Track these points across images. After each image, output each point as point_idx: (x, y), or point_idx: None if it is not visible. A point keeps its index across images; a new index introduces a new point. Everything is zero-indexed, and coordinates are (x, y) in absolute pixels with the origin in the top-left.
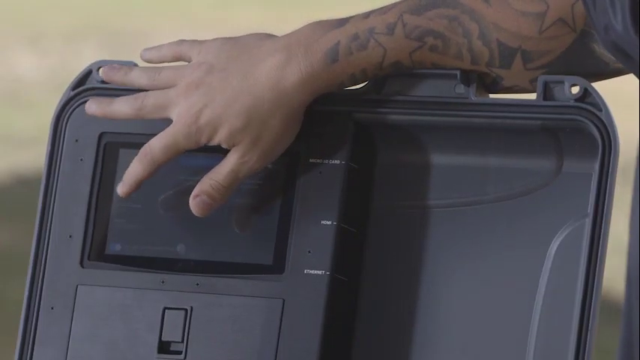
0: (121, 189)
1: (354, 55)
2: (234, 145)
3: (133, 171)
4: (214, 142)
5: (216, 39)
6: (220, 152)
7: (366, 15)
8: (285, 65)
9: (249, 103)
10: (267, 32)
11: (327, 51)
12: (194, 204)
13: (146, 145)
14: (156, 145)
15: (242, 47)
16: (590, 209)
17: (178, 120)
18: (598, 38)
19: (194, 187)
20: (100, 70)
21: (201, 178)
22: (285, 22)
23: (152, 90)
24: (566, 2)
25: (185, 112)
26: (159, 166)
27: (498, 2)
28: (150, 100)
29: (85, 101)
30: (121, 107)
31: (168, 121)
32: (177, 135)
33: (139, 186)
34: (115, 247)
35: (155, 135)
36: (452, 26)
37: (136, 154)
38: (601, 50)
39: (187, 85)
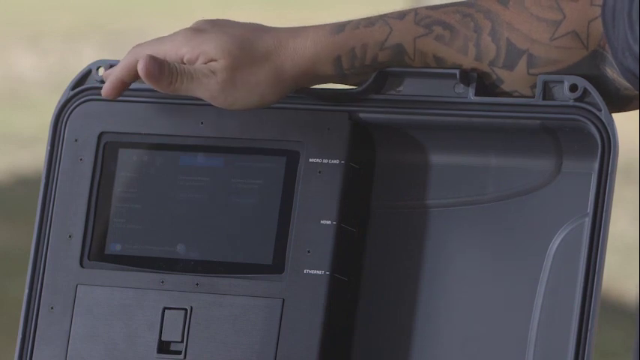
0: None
1: (359, 29)
2: (209, 62)
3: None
4: (198, 51)
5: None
6: (220, 152)
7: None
8: (292, 29)
9: (246, 35)
10: None
11: (335, 24)
12: (142, 59)
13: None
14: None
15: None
16: (590, 208)
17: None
18: (613, 60)
19: (194, 187)
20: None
21: (201, 178)
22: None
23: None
24: (583, 17)
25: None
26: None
27: (516, 5)
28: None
29: (85, 101)
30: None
31: (169, 126)
32: (165, 40)
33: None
34: (114, 247)
35: (155, 135)
36: (464, 21)
37: (136, 154)
38: (614, 75)
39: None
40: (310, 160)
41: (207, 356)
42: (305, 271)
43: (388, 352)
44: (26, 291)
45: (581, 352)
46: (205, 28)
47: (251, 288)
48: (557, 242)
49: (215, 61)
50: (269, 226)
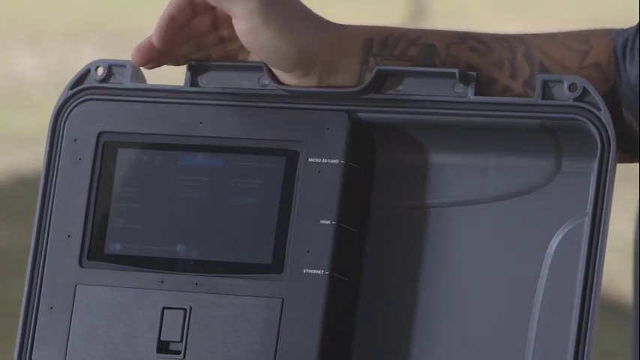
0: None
1: (394, 28)
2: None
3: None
4: None
5: None
6: (219, 152)
7: None
8: None
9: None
10: None
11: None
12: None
13: None
14: None
15: None
16: (589, 208)
17: None
18: (622, 95)
19: (193, 186)
20: None
21: (200, 177)
22: None
23: None
24: (605, 50)
25: None
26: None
27: (547, 35)
28: None
29: (84, 101)
30: None
31: (169, 126)
32: None
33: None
34: (114, 247)
35: (154, 134)
36: (498, 41)
37: (135, 154)
38: (629, 118)
39: None
40: (310, 159)
41: (207, 356)
42: (304, 271)
43: (388, 352)
44: (25, 291)
45: (580, 351)
46: None
47: (251, 288)
48: (557, 242)
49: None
50: (268, 226)
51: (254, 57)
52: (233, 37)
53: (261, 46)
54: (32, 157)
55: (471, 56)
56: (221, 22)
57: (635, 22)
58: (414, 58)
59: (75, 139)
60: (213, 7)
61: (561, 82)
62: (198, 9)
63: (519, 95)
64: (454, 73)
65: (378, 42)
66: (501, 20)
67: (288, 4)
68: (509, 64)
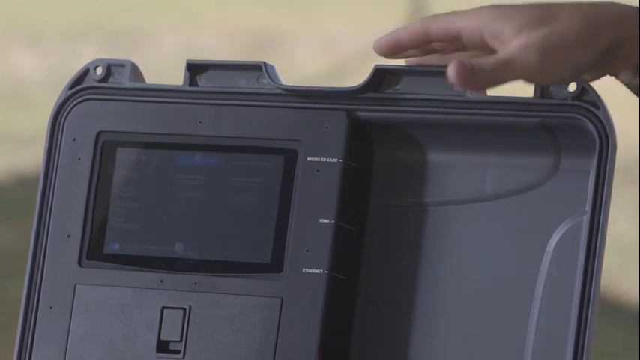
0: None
1: None
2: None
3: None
4: (498, 28)
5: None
6: (218, 151)
7: None
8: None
9: (547, 5)
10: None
11: None
12: (453, 64)
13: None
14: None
15: None
16: (588, 207)
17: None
18: None
19: (192, 186)
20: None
21: (199, 177)
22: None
23: None
24: None
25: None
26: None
27: None
28: None
29: (83, 100)
30: None
31: (168, 125)
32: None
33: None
34: (113, 247)
35: (153, 134)
36: None
37: (134, 153)
38: None
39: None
40: (308, 158)
41: (206, 355)
42: (303, 270)
43: (387, 351)
44: (25, 290)
45: (579, 350)
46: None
47: (250, 287)
48: (556, 240)
49: (513, 40)
50: (267, 225)
51: None
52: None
53: (554, 75)
54: (32, 157)
55: None
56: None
57: None
58: None
59: (74, 139)
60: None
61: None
62: (432, 38)
63: None
64: None
65: None
66: None
67: (552, 19)
68: None
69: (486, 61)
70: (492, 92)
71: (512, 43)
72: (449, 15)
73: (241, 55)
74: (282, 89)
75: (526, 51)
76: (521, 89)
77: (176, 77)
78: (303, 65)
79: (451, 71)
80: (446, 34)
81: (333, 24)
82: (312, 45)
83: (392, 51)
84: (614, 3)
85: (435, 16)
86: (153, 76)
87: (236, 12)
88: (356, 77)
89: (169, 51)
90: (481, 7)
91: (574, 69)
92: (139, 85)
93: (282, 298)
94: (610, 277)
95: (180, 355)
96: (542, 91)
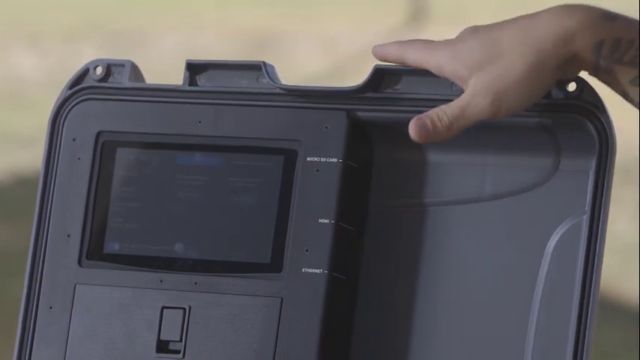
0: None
1: (632, 25)
2: (469, 78)
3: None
4: (449, 75)
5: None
6: (218, 151)
7: None
8: (528, 15)
9: (485, 39)
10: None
11: (606, 11)
12: (414, 124)
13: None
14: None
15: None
16: (588, 207)
17: None
18: None
19: (192, 186)
20: None
21: (199, 177)
22: (286, 21)
23: None
24: None
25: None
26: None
27: None
28: None
29: (83, 100)
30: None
31: (167, 125)
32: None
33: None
34: (113, 247)
35: (153, 134)
36: None
37: (134, 153)
38: None
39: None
40: (308, 158)
41: (206, 355)
42: (303, 270)
43: (386, 350)
44: (25, 290)
45: (579, 350)
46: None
47: (249, 287)
48: (556, 240)
49: (467, 80)
50: (267, 225)
51: None
52: None
53: (507, 114)
54: (32, 157)
55: None
56: None
57: None
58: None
59: (74, 139)
60: None
61: (560, 80)
62: (409, 65)
63: None
64: None
65: (609, 44)
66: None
67: (499, 65)
68: None
69: (444, 113)
70: None
71: (467, 83)
72: (420, 49)
73: (241, 55)
74: (282, 89)
75: (476, 97)
76: None
77: (176, 77)
78: (303, 65)
79: (411, 131)
80: (419, 67)
81: (333, 24)
82: (312, 45)
83: (383, 61)
84: (554, 15)
85: (411, 44)
86: (153, 76)
87: (236, 12)
88: (356, 77)
89: (169, 51)
90: (446, 44)
91: (528, 101)
92: (139, 85)
93: (282, 298)
94: (610, 277)
95: (180, 355)
96: None
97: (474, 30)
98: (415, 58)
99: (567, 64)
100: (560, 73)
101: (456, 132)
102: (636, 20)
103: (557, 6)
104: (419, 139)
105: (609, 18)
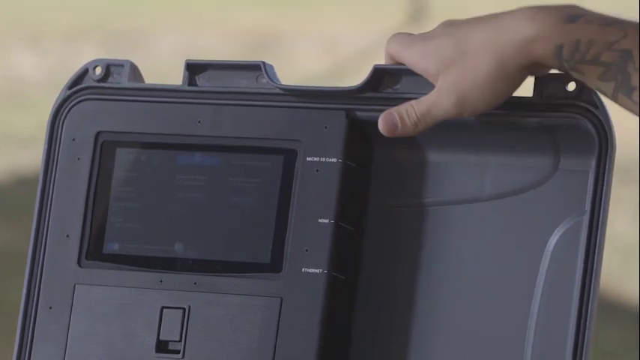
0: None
1: (593, 25)
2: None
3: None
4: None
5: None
6: (217, 151)
7: None
8: (494, 14)
9: (451, 39)
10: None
11: (566, 12)
12: (383, 118)
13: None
14: None
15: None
16: (588, 206)
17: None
18: None
19: (191, 186)
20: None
21: (199, 177)
22: (286, 21)
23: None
24: None
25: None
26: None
27: None
28: None
29: (82, 100)
30: None
31: (167, 125)
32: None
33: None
34: (112, 247)
35: (152, 134)
36: None
37: (133, 153)
38: None
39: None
40: (308, 158)
41: (206, 355)
42: (303, 270)
43: (386, 350)
44: (24, 291)
45: (579, 350)
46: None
47: (249, 287)
48: (555, 240)
49: (436, 79)
50: (267, 225)
51: None
52: None
53: (472, 115)
54: (32, 157)
55: None
56: None
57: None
58: (605, 64)
59: (73, 139)
60: None
61: (559, 80)
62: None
63: None
64: None
65: (568, 47)
66: None
67: (465, 66)
68: None
69: (413, 109)
70: None
71: (436, 81)
72: (398, 43)
73: (241, 55)
74: (282, 89)
75: (441, 96)
76: (520, 89)
77: (176, 77)
78: (302, 65)
79: (380, 125)
80: (398, 61)
81: (333, 24)
82: (312, 45)
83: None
84: (518, 19)
85: (393, 38)
86: (153, 76)
87: (236, 12)
88: (356, 77)
89: (169, 51)
90: (421, 39)
91: (494, 101)
92: (138, 85)
93: (281, 298)
94: (610, 277)
95: (180, 355)
96: (541, 91)
97: (448, 25)
98: (394, 53)
99: (533, 65)
100: (527, 73)
101: (423, 129)
102: (601, 15)
103: (524, 8)
104: (387, 134)
105: (570, 19)
